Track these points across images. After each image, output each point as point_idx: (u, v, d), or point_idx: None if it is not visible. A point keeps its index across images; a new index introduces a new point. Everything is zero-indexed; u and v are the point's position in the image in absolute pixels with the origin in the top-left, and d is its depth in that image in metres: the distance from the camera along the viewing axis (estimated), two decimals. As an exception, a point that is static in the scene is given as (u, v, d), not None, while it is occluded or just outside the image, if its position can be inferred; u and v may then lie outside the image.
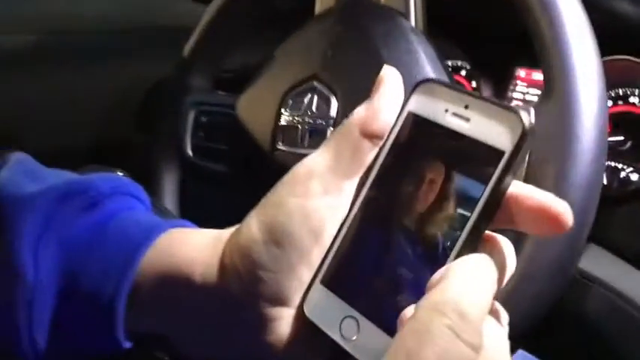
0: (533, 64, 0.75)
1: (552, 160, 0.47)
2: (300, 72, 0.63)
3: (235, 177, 0.70)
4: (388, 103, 0.33)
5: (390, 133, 0.33)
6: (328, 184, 0.33)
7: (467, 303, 0.25)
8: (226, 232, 0.35)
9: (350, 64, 0.60)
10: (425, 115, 0.32)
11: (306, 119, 0.61)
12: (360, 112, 0.34)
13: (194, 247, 0.35)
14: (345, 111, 0.55)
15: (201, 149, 0.73)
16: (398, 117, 0.33)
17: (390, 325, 0.30)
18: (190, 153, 0.73)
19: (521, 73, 0.78)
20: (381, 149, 0.33)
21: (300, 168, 0.34)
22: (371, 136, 0.33)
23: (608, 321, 0.62)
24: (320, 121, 0.61)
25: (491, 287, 0.28)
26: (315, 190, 0.32)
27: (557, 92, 0.49)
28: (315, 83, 0.62)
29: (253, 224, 0.33)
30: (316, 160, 0.33)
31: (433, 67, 0.58)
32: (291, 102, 0.63)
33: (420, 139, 0.32)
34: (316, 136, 0.61)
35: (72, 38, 0.97)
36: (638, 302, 0.59)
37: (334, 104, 0.61)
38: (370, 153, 0.33)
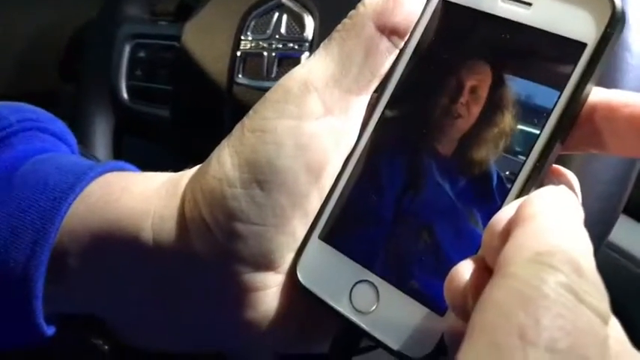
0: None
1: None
2: None
3: (182, 123, 0.64)
4: None
5: (416, 27, 0.27)
6: (331, 100, 0.27)
7: (579, 252, 0.19)
8: (186, 174, 0.30)
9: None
10: (463, 1, 0.27)
11: (274, 44, 0.55)
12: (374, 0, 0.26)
13: (140, 195, 0.29)
14: (326, 32, 0.48)
15: (140, 91, 0.68)
16: (426, 6, 0.28)
17: (424, 291, 0.25)
18: (126, 96, 0.68)
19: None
20: (402, 51, 0.27)
21: (292, 80, 0.27)
22: (391, 31, 0.27)
23: (612, 282, 0.60)
24: (292, 45, 0.55)
25: (585, 230, 0.21)
26: (314, 110, 0.27)
27: None
28: None
29: (226, 159, 0.27)
30: (314, 69, 0.27)
31: None
32: (253, 24, 0.57)
33: (458, 36, 0.27)
34: (287, 65, 0.55)
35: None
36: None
37: (309, 23, 0.55)
38: (389, 56, 0.27)
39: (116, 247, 0.29)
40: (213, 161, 0.27)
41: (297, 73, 0.27)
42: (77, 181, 0.30)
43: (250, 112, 0.28)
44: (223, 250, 0.27)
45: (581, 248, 0.19)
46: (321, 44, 0.28)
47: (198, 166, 0.29)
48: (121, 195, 0.29)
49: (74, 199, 0.29)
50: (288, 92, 0.27)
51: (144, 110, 0.67)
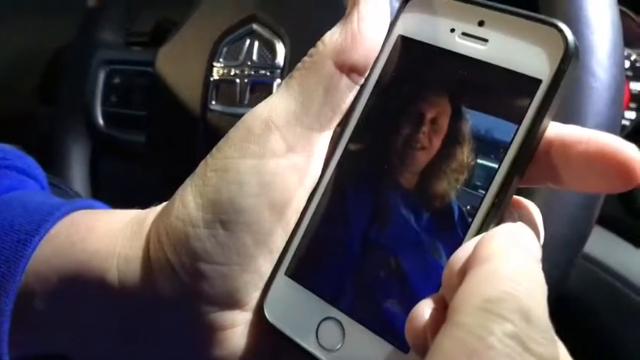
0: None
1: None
2: (235, 13, 0.57)
3: (157, 149, 0.64)
4: (371, 23, 0.27)
5: (375, 64, 0.28)
6: (293, 138, 0.27)
7: (529, 297, 0.19)
8: (151, 213, 0.30)
9: (296, -2, 0.56)
10: (422, 37, 0.27)
11: (246, 71, 0.55)
12: (333, 37, 0.27)
13: (106, 235, 0.29)
14: (296, 58, 0.48)
15: (115, 117, 0.67)
16: (384, 43, 0.28)
17: (389, 327, 0.25)
18: (101, 122, 0.68)
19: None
20: (362, 87, 0.28)
21: (253, 118, 0.27)
22: (350, 69, 0.27)
23: (591, 294, 0.60)
24: (263, 72, 0.55)
25: (541, 272, 0.21)
26: (276, 148, 0.27)
27: None
28: (255, 26, 0.56)
29: (189, 199, 0.27)
30: (275, 107, 0.27)
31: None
32: (225, 51, 0.57)
33: (417, 71, 0.27)
34: (259, 92, 0.55)
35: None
36: (622, 274, 0.57)
37: (280, 50, 0.54)
38: (349, 93, 0.27)
39: (82, 288, 0.28)
40: (176, 202, 0.27)
41: (258, 112, 0.27)
42: (43, 222, 0.30)
43: (214, 150, 0.28)
44: (188, 290, 0.27)
45: (533, 292, 0.19)
46: (283, 82, 0.28)
47: (164, 204, 0.29)
48: (86, 235, 0.29)
49: (40, 240, 0.29)
50: (250, 131, 0.27)
51: (119, 136, 0.67)
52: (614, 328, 0.61)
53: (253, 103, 0.49)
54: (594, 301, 0.61)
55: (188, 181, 0.28)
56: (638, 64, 0.65)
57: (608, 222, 0.60)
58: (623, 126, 0.62)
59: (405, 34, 0.27)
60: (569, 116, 0.37)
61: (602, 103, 0.37)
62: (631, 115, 0.64)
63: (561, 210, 0.36)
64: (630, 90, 0.65)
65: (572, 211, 0.37)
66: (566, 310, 0.62)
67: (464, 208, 0.24)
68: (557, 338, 0.19)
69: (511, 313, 0.18)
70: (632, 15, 0.64)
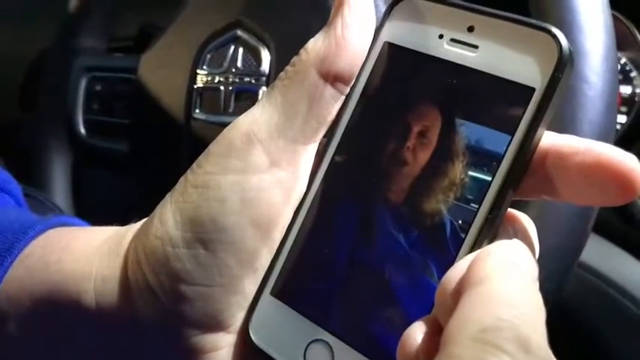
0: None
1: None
2: (219, 19, 0.56)
3: (140, 158, 0.63)
4: (356, 29, 0.26)
5: (361, 73, 0.27)
6: (276, 151, 0.26)
7: (528, 324, 0.18)
8: (130, 230, 0.29)
9: (281, 3, 0.54)
10: (409, 44, 0.26)
11: (230, 78, 0.54)
12: (316, 45, 0.26)
13: (82, 254, 0.28)
14: (282, 65, 0.47)
15: (97, 125, 0.66)
16: (370, 50, 0.27)
17: (380, 352, 0.24)
18: (83, 131, 0.67)
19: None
20: (348, 96, 0.27)
21: (234, 132, 0.26)
22: (335, 78, 0.26)
23: (585, 302, 0.60)
24: (248, 80, 0.54)
25: (539, 293, 0.20)
26: (258, 163, 0.25)
27: None
28: (239, 32, 0.55)
29: (168, 217, 0.26)
30: (257, 120, 0.26)
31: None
32: (209, 57, 0.56)
33: (405, 80, 0.26)
34: (244, 99, 0.53)
35: None
36: (621, 285, 0.57)
37: (266, 57, 0.53)
38: (335, 103, 0.26)
39: (57, 311, 0.27)
40: (155, 219, 0.26)
41: (239, 124, 0.26)
42: (15, 241, 0.28)
43: (194, 165, 0.27)
44: (168, 313, 0.25)
45: (532, 318, 0.18)
46: (264, 93, 0.27)
47: (143, 221, 0.28)
48: (61, 255, 0.28)
49: (12, 261, 0.28)
50: (231, 145, 0.26)
51: (101, 145, 0.66)
52: (608, 337, 0.60)
53: (238, 112, 0.48)
54: (588, 309, 0.61)
55: (167, 198, 0.27)
56: (627, 68, 0.65)
57: (601, 229, 0.59)
58: (614, 130, 0.62)
59: (392, 41, 0.26)
60: (561, 125, 0.36)
61: (595, 110, 0.36)
62: (622, 119, 0.64)
63: (556, 219, 0.36)
64: (620, 94, 0.64)
65: (567, 220, 0.36)
66: (560, 319, 0.62)
67: (456, 224, 0.23)
68: None
69: (509, 343, 0.17)
70: (622, 18, 0.64)
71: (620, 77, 0.64)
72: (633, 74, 0.66)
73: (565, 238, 0.36)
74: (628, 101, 0.65)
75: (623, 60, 0.65)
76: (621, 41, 0.64)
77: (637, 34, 0.64)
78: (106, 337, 0.27)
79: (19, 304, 0.28)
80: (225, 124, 0.27)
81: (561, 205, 0.36)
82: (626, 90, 0.65)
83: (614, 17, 0.50)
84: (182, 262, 0.25)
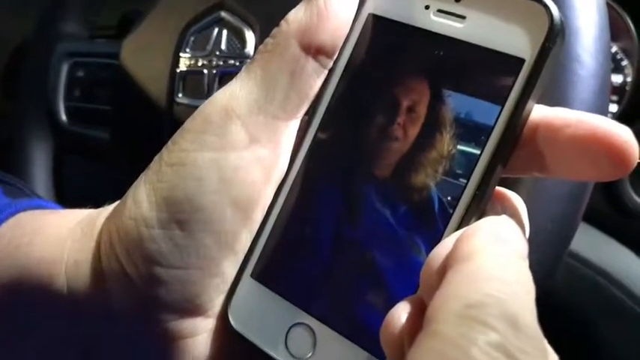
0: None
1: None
2: (202, 0, 0.55)
3: (122, 144, 0.62)
4: (339, 0, 0.25)
5: (344, 46, 0.26)
6: (256, 128, 0.25)
7: (516, 301, 0.17)
8: (102, 212, 0.28)
9: (266, -18, 0.54)
10: (395, 16, 0.25)
11: (214, 61, 0.53)
12: (297, 15, 0.25)
13: (54, 237, 0.27)
14: None
15: (78, 112, 0.65)
16: (354, 22, 0.26)
17: (364, 335, 0.23)
18: (64, 118, 0.66)
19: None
20: (331, 70, 0.26)
21: (211, 107, 0.26)
22: (317, 51, 0.25)
23: (575, 292, 0.60)
24: (232, 62, 0.53)
25: (529, 270, 0.19)
26: (237, 139, 0.25)
27: None
28: (223, 13, 0.54)
29: (142, 197, 0.25)
30: (236, 94, 0.25)
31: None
32: (192, 40, 0.55)
33: (390, 53, 0.25)
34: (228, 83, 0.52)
35: None
36: (611, 274, 0.57)
37: (250, 39, 0.53)
38: (317, 77, 0.25)
39: (28, 296, 0.26)
40: (128, 200, 0.25)
41: (217, 99, 0.25)
42: None
43: (169, 143, 0.26)
44: (144, 297, 0.24)
45: (520, 295, 0.17)
46: (244, 66, 0.26)
47: (116, 203, 0.27)
48: (32, 238, 0.27)
49: None
50: (207, 121, 0.25)
51: (83, 132, 0.65)
52: (598, 326, 0.61)
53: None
54: (578, 298, 0.61)
55: (141, 177, 0.26)
56: (619, 57, 0.65)
57: (592, 218, 0.59)
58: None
59: (376, 13, 0.25)
60: (551, 104, 0.35)
61: (588, 91, 0.35)
62: (612, 108, 0.64)
63: (547, 203, 0.35)
64: (612, 83, 0.64)
65: (558, 204, 0.35)
66: (550, 308, 0.62)
67: (443, 200, 0.23)
68: (548, 346, 0.17)
69: (495, 319, 0.16)
70: (615, 6, 0.64)
71: (612, 66, 0.64)
72: (624, 63, 0.65)
73: (556, 220, 0.35)
74: (619, 90, 0.65)
75: (615, 49, 0.65)
76: (614, 30, 0.64)
77: (630, 23, 0.64)
78: (79, 324, 0.26)
79: None
80: None
81: (553, 188, 0.35)
82: (617, 79, 0.65)
83: (608, 5, 0.50)
84: (157, 243, 0.24)
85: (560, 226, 0.36)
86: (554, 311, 0.59)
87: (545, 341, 0.17)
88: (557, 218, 0.35)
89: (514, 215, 0.24)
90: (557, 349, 0.20)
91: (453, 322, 0.16)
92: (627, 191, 0.61)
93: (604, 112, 0.37)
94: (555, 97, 0.35)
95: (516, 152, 0.23)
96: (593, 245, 0.61)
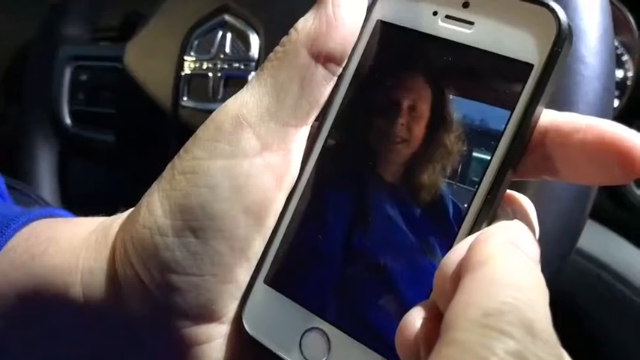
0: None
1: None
2: (206, 3, 0.55)
3: (127, 148, 0.62)
4: (347, 7, 0.25)
5: (353, 52, 0.26)
6: (267, 135, 0.25)
7: (532, 307, 0.17)
8: (116, 220, 0.28)
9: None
10: (403, 22, 0.25)
11: (219, 64, 0.54)
12: (306, 24, 0.25)
13: (68, 246, 0.27)
14: (272, 49, 0.47)
15: (83, 116, 0.66)
16: (362, 29, 0.26)
17: (378, 339, 0.23)
18: (69, 121, 0.66)
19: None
20: (341, 77, 0.26)
21: (223, 115, 0.26)
22: (326, 58, 0.25)
23: (580, 288, 0.60)
24: (237, 65, 0.53)
25: (542, 275, 0.19)
26: (249, 147, 0.25)
27: None
28: (227, 17, 0.54)
29: (156, 205, 0.25)
30: (246, 102, 0.25)
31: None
32: (196, 43, 0.55)
33: (399, 59, 0.25)
34: (233, 86, 0.53)
35: None
36: (614, 269, 0.57)
37: (255, 42, 0.53)
38: (326, 84, 0.25)
39: (44, 306, 0.26)
40: (142, 208, 0.25)
41: (228, 107, 0.25)
42: None
43: (181, 151, 0.26)
44: (159, 304, 0.25)
45: (536, 301, 0.18)
46: (254, 75, 0.26)
47: (130, 210, 0.27)
48: (47, 247, 0.27)
49: None
50: (219, 129, 0.25)
51: (88, 135, 0.65)
52: (602, 321, 0.61)
53: (227, 98, 0.47)
54: (582, 292, 0.61)
55: (155, 186, 0.26)
56: (620, 51, 0.65)
57: (595, 214, 0.59)
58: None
59: (385, 19, 0.26)
60: (557, 106, 0.35)
61: (593, 92, 0.36)
62: (614, 102, 0.64)
63: (553, 203, 0.35)
64: (613, 77, 0.64)
65: (564, 204, 0.35)
66: (554, 303, 0.62)
67: (455, 206, 0.23)
68: (563, 351, 0.18)
69: (513, 327, 0.16)
70: (615, 2, 0.64)
71: (613, 61, 0.65)
72: (625, 58, 0.65)
73: (562, 222, 0.36)
74: (620, 85, 0.65)
75: (615, 43, 0.65)
76: (614, 25, 0.64)
77: (630, 18, 0.64)
78: (94, 331, 0.26)
79: (4, 299, 0.27)
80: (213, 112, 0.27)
81: (559, 188, 0.35)
82: (618, 74, 0.65)
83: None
84: (172, 251, 0.24)
85: (567, 225, 0.36)
86: (557, 305, 0.60)
87: (559, 344, 0.18)
88: (564, 218, 0.35)
89: (524, 218, 0.24)
90: (561, 344, 0.20)
91: (471, 331, 0.17)
92: (630, 186, 0.61)
93: (609, 111, 0.38)
94: (560, 98, 0.35)
95: (526, 156, 0.23)
96: (596, 240, 0.61)
